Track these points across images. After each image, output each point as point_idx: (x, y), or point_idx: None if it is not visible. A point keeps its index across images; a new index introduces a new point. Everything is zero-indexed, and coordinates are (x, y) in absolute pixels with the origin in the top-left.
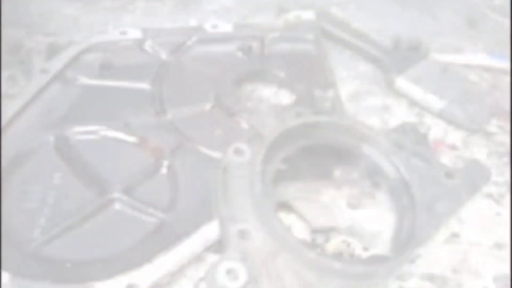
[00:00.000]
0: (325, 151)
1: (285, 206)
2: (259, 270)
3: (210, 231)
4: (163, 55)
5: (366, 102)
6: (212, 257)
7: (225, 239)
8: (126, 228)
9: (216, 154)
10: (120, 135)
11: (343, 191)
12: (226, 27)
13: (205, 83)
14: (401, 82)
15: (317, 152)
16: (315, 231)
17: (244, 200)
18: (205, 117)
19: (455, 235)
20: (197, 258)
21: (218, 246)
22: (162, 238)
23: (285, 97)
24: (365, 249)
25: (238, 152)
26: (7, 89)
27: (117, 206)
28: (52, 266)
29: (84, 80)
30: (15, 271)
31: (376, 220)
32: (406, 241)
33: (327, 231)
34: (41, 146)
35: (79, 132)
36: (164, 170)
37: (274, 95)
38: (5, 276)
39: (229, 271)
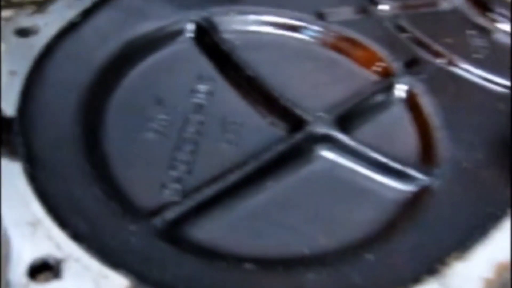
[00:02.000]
0: None
1: None
2: None
3: None
4: None
5: None
6: None
7: None
8: (352, 197)
9: (485, 74)
10: (311, 34)
11: None
12: None
13: None
14: None
15: None
16: None
17: None
18: (446, 16)
19: None
20: None
21: None
22: (432, 221)
23: None
24: None
25: None
26: None
27: (327, 153)
28: (215, 266)
29: None
30: (139, 274)
31: None
32: None
33: None
34: (172, 38)
35: (239, 21)
36: (400, 95)
37: None
38: (122, 284)
39: None
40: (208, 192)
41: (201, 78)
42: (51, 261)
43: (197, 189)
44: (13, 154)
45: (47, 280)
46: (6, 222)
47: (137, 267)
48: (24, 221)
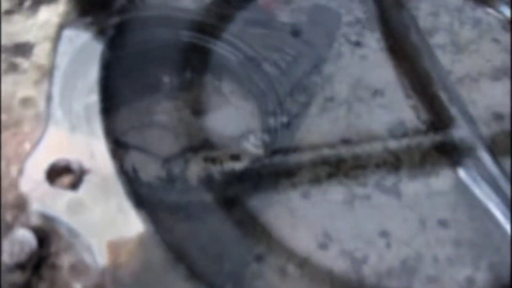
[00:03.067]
0: None
1: None
2: None
3: None
4: None
5: None
6: None
7: None
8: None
9: None
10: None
11: None
12: None
13: None
14: None
15: None
16: None
17: None
18: None
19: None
20: None
21: None
22: None
23: None
24: None
25: None
26: None
27: (458, 169)
28: (254, 255)
29: None
30: (161, 225)
31: None
32: None
33: None
34: None
35: None
36: None
37: None
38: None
39: None
40: (294, 158)
41: (354, 25)
42: (76, 168)
43: (285, 151)
44: None
45: (62, 185)
46: (53, 104)
47: (164, 216)
48: (71, 112)
